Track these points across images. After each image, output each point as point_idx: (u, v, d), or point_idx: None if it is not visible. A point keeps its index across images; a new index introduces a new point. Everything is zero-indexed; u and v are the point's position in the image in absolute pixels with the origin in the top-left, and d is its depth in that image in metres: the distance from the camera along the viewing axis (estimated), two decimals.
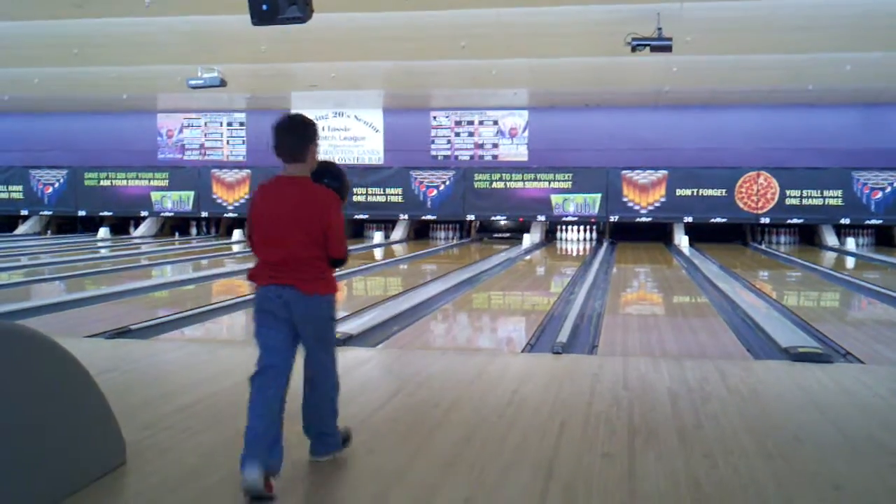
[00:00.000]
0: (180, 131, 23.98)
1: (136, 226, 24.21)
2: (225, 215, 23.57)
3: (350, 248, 3.85)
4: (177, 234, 24.07)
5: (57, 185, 24.19)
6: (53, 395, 3.45)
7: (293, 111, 22.37)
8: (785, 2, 11.73)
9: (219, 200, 23.33)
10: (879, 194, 20.40)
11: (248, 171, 23.16)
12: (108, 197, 23.93)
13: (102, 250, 18.83)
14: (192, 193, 23.49)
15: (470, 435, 4.28)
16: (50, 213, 24.42)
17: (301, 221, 3.66)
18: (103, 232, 22.98)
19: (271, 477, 3.46)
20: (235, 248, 19.91)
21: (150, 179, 23.74)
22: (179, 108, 23.27)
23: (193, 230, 24.52)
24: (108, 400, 3.74)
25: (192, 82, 15.77)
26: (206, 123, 23.83)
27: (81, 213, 24.15)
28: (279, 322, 3.64)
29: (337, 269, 3.88)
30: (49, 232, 24.19)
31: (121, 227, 24.29)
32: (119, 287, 11.09)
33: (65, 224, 24.85)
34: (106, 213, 23.99)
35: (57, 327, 7.56)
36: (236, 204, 23.19)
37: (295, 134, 3.80)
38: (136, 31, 13.58)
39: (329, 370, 3.82)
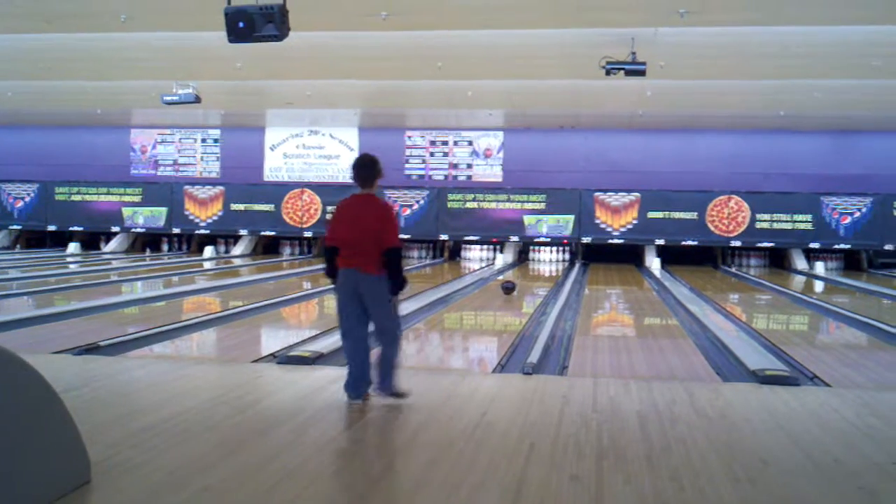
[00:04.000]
0: (154, 147, 23.86)
1: (107, 241, 24.00)
2: (197, 232, 23.43)
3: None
4: (148, 250, 23.90)
5: (27, 199, 23.97)
6: (17, 412, 3.41)
7: (266, 128, 22.34)
8: (757, 29, 11.86)
9: (191, 217, 23.21)
10: (848, 219, 20.67)
11: (222, 187, 23.08)
12: (78, 212, 23.73)
13: (72, 266, 18.68)
14: (164, 209, 23.36)
15: (439, 456, 4.28)
16: (20, 227, 24.17)
17: (368, 224, 5.31)
18: (73, 247, 22.78)
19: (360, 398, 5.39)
20: (206, 264, 19.80)
21: (121, 195, 23.57)
22: (153, 123, 23.17)
23: (165, 246, 24.35)
24: (74, 417, 3.70)
25: (167, 98, 15.70)
26: (180, 139, 23.74)
27: (52, 227, 23.92)
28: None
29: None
30: (18, 246, 23.92)
31: (91, 242, 24.09)
32: (88, 303, 11.00)
33: (34, 239, 24.60)
34: (76, 229, 23.78)
35: (24, 343, 7.49)
36: (209, 220, 23.08)
37: (366, 167, 5.45)
38: (111, 45, 13.51)
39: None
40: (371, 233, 5.28)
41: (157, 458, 4.18)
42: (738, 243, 21.21)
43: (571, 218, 21.58)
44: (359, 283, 5.30)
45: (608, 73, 12.30)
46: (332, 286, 5.47)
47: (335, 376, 6.13)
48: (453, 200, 22.05)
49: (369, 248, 5.27)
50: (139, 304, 11.79)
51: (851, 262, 21.26)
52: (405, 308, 11.14)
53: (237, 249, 23.03)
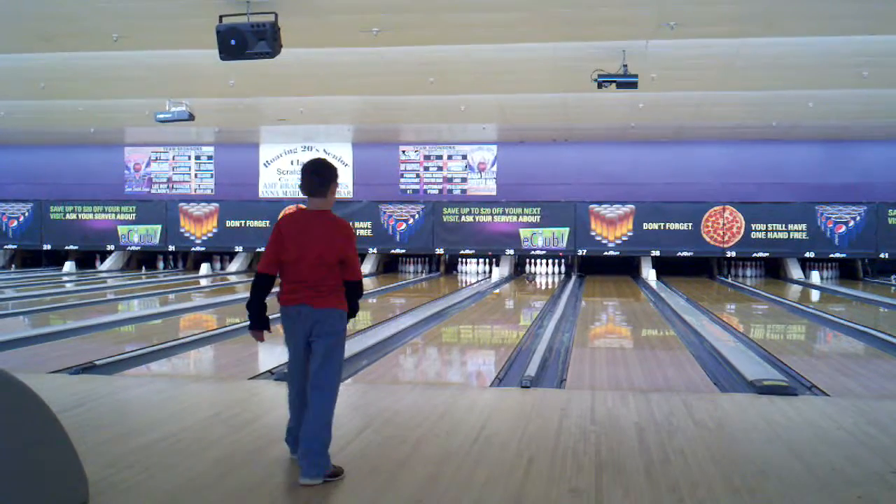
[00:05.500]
0: (148, 165, 23.85)
1: (103, 260, 23.96)
2: (192, 249, 23.39)
3: None
4: (143, 268, 23.84)
5: (22, 218, 23.92)
6: (14, 433, 3.40)
7: (260, 145, 22.34)
8: (748, 41, 11.91)
9: (186, 234, 23.18)
10: (843, 228, 20.70)
11: (216, 204, 23.07)
12: (74, 231, 23.66)
13: (68, 284, 18.63)
14: (159, 227, 23.33)
15: (437, 471, 4.27)
16: (15, 246, 24.10)
17: (324, 246, 4.22)
18: (69, 266, 22.72)
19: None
20: (203, 282, 19.78)
21: (116, 213, 23.54)
22: (147, 141, 23.15)
23: (160, 264, 24.31)
24: (71, 437, 3.69)
25: (161, 116, 15.70)
26: (173, 157, 23.73)
27: (47, 246, 23.86)
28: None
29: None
30: (13, 266, 23.88)
31: (87, 261, 24.03)
32: (85, 322, 10.96)
33: (30, 258, 24.54)
34: (72, 247, 23.72)
35: (21, 363, 7.47)
36: (204, 238, 23.06)
37: (319, 173, 4.29)
38: (104, 64, 13.51)
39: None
40: (331, 257, 4.21)
41: (155, 477, 4.17)
42: (733, 253, 21.23)
43: (567, 230, 21.60)
44: (313, 322, 4.23)
45: (600, 85, 12.33)
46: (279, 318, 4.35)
47: None
48: (448, 214, 22.07)
49: (325, 276, 4.23)
50: (135, 323, 11.77)
51: (846, 271, 21.29)
52: (404, 322, 11.14)
53: (233, 266, 23.00)
